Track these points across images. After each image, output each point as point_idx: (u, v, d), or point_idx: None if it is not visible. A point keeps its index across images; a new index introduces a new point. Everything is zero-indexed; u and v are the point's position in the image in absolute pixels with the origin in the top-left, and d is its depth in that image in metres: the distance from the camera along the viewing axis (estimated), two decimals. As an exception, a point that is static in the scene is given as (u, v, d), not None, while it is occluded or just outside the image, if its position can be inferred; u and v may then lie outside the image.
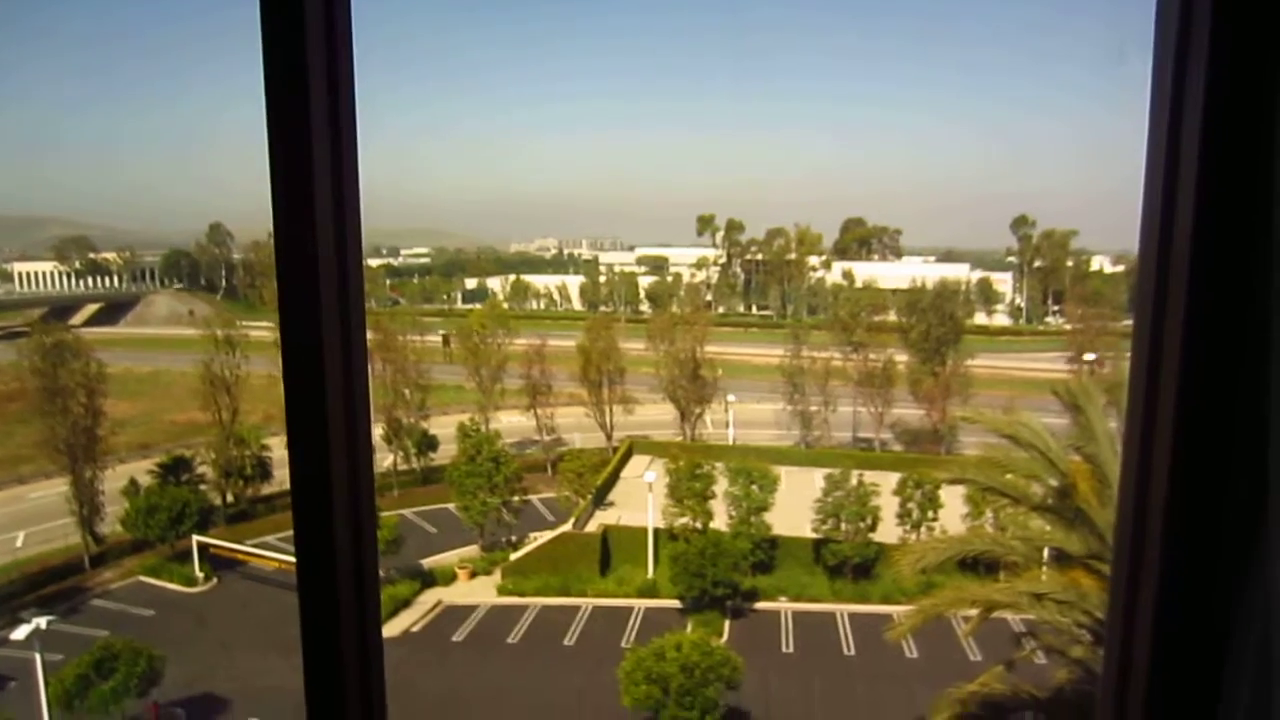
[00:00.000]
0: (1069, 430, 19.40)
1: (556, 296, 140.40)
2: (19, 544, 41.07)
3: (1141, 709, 1.56)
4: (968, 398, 56.76)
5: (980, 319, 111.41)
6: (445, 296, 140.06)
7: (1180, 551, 1.50)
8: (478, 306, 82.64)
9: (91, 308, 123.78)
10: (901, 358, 61.10)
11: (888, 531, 38.82)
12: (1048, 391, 21.85)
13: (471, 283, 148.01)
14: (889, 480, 40.90)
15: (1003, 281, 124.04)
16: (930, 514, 39.85)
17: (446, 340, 77.23)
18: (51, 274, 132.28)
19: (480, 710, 29.47)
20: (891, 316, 67.26)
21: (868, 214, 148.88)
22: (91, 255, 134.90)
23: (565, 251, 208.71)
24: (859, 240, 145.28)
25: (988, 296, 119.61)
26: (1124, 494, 1.62)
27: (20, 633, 27.16)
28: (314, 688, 1.87)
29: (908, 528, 39.75)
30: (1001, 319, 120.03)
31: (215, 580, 40.88)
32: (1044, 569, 18.70)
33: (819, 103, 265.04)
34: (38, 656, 26.89)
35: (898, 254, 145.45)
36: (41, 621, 27.43)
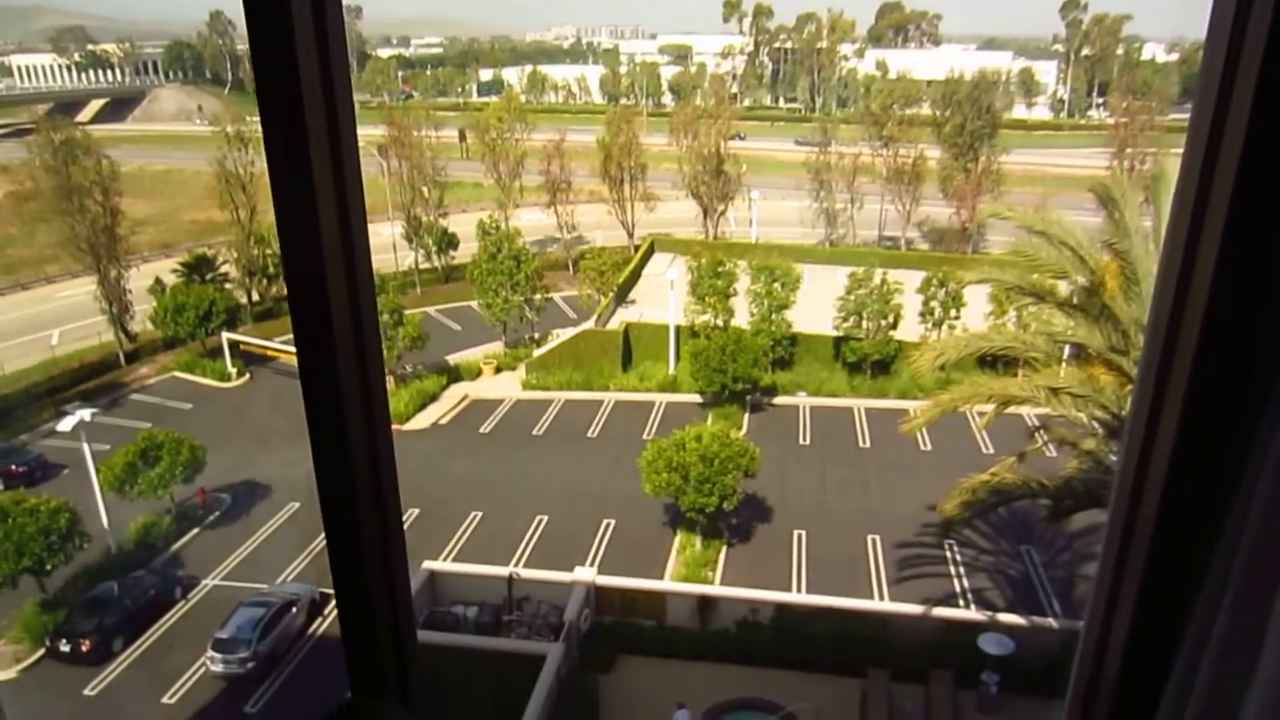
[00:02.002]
0: (1102, 228, 18.97)
1: (575, 89, 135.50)
2: (54, 341, 42.09)
3: (1159, 497, 1.55)
4: (999, 195, 55.47)
5: (1019, 112, 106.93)
6: (460, 89, 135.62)
7: (1217, 347, 1.44)
8: (494, 99, 79.89)
9: (97, 103, 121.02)
10: (933, 153, 59.19)
11: (909, 330, 39.00)
12: (1083, 189, 21.19)
13: (486, 74, 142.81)
14: (913, 279, 40.62)
15: (1046, 72, 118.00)
16: (953, 313, 39.85)
17: (463, 135, 75.38)
18: (51, 68, 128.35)
19: (508, 495, 30.97)
20: (925, 109, 64.53)
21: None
22: (90, 47, 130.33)
23: (584, 40, 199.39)
24: (895, 26, 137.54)
25: (1029, 88, 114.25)
26: (1163, 286, 1.53)
27: (66, 424, 28.36)
28: (325, 479, 1.82)
29: (929, 326, 39.88)
30: (1042, 112, 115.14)
31: (248, 375, 42.12)
32: (1063, 365, 18.84)
33: None
34: (85, 446, 28.21)
35: (936, 41, 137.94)
36: (85, 414, 28.52)
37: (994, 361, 24.96)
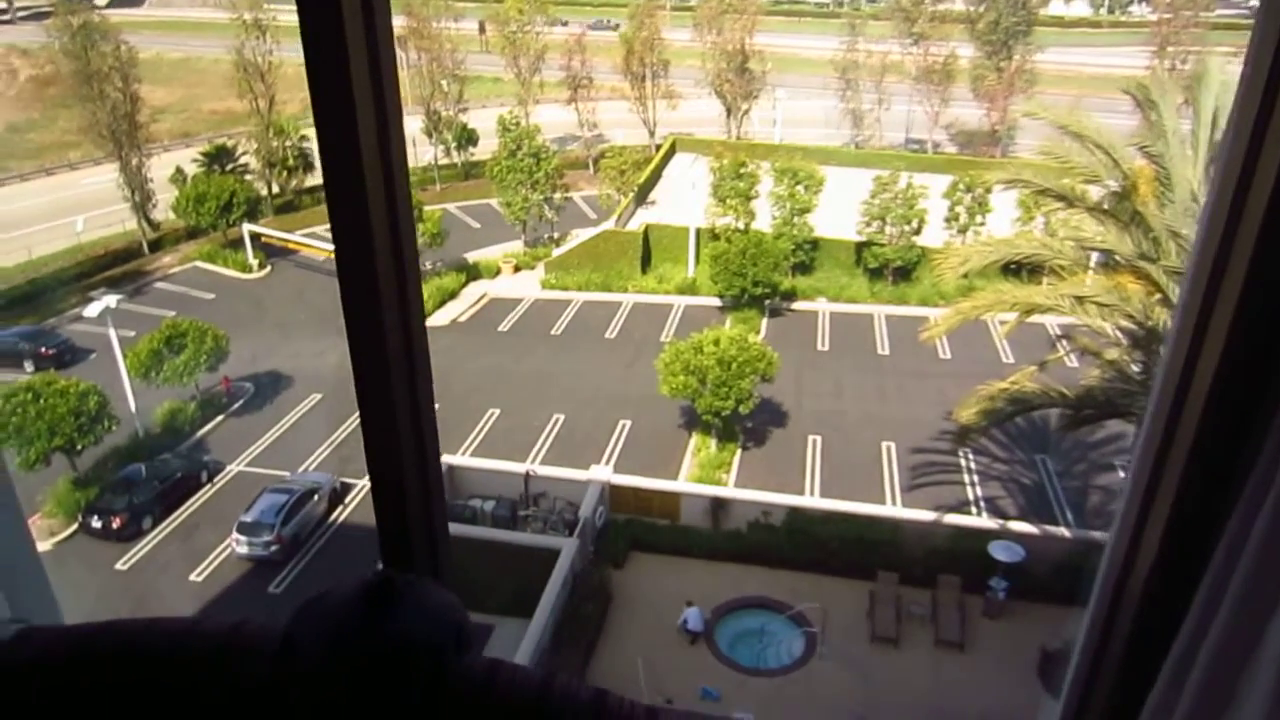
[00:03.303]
0: (1137, 130, 18.48)
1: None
2: (79, 228, 42.15)
3: (1203, 402, 1.52)
4: (1032, 96, 53.60)
5: (1056, 8, 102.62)
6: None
7: (1276, 247, 1.37)
8: (515, -11, 77.30)
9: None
10: (965, 52, 57.20)
11: (933, 235, 38.42)
12: (1119, 90, 20.52)
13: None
14: (939, 183, 39.87)
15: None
16: (978, 218, 39.23)
17: (482, 27, 73.38)
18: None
19: (526, 393, 31.29)
20: (959, 5, 62.08)
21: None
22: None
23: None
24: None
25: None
26: (1221, 184, 1.45)
27: (93, 310, 28.74)
28: (360, 360, 1.85)
29: (954, 232, 39.28)
30: (1080, 8, 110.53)
31: (269, 268, 42.25)
32: (1089, 273, 18.61)
33: None
34: (111, 332, 28.60)
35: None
36: (111, 300, 28.90)
37: (1018, 269, 24.71)
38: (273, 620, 1.26)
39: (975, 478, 26.61)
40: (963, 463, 26.80)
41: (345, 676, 1.11)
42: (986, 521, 23.39)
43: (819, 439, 28.61)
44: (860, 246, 40.21)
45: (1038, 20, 61.35)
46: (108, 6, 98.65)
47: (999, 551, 20.09)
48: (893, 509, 24.43)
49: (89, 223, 42.84)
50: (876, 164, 46.93)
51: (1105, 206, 17.45)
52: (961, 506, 24.95)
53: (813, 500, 24.64)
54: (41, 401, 24.14)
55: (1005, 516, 23.80)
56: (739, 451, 27.88)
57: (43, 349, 33.17)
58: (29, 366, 31.60)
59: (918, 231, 38.81)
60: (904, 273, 39.46)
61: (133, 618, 1.27)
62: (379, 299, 1.75)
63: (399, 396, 1.92)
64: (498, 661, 1.26)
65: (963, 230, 39.35)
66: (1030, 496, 25.79)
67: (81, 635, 1.23)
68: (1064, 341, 21.55)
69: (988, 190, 37.91)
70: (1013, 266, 23.11)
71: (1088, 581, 1.89)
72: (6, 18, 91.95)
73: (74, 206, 44.93)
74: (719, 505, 23.45)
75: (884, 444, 28.14)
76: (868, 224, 39.32)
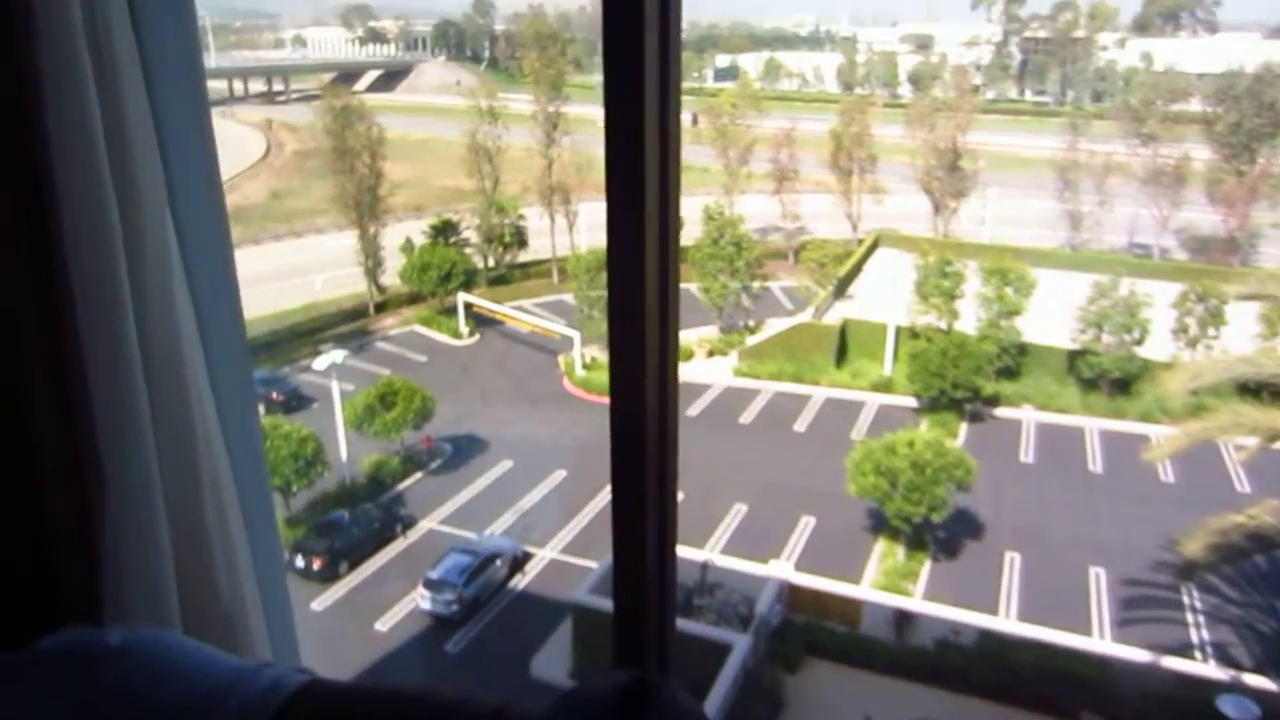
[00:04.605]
0: None
1: (810, 77, 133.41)
2: (318, 286, 46.50)
3: None
4: (1278, 202, 49.36)
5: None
6: (696, 74, 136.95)
7: None
8: (729, 86, 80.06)
9: (372, 74, 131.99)
10: (1200, 154, 53.54)
11: (1157, 348, 35.64)
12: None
13: (723, 60, 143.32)
14: (1165, 292, 37.02)
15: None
16: (1211, 331, 36.03)
17: (695, 119, 76.19)
18: (338, 41, 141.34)
19: (709, 480, 31.01)
20: (1194, 106, 58.51)
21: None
22: (371, 23, 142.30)
23: (822, 28, 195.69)
24: (1165, 13, 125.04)
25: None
26: None
27: (321, 363, 31.39)
28: (621, 446, 1.90)
29: (1182, 345, 36.26)
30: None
31: (478, 336, 44.71)
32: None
33: None
34: (334, 385, 31.02)
35: (1213, 30, 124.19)
36: (338, 356, 31.44)
37: (1259, 388, 22.42)
38: (532, 707, 1.27)
39: (1201, 619, 23.83)
40: (1186, 600, 24.13)
41: None
42: (1214, 670, 20.81)
43: (1017, 557, 26.67)
44: (1073, 354, 37.79)
45: (1288, 122, 56.71)
46: (366, 91, 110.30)
47: (1229, 707, 17.80)
48: (1100, 643, 22.24)
49: (325, 282, 47.18)
50: (1095, 268, 44.28)
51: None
52: (1183, 650, 22.34)
53: (1008, 623, 22.85)
54: (267, 443, 26.29)
55: (1238, 667, 21.09)
56: (928, 562, 26.42)
57: (274, 394, 36.25)
58: (260, 409, 34.63)
59: (1139, 342, 36.08)
60: (1122, 385, 36.65)
61: (409, 684, 1.30)
62: (643, 382, 1.78)
63: (649, 484, 1.95)
64: None
65: (1192, 344, 36.28)
66: (1269, 647, 22.74)
67: (366, 695, 1.26)
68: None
69: (1224, 302, 34.91)
70: (1251, 386, 21.07)
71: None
72: (283, 99, 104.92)
73: (315, 266, 49.64)
74: (904, 617, 22.20)
75: (1093, 570, 25.82)
76: (1083, 331, 36.98)
